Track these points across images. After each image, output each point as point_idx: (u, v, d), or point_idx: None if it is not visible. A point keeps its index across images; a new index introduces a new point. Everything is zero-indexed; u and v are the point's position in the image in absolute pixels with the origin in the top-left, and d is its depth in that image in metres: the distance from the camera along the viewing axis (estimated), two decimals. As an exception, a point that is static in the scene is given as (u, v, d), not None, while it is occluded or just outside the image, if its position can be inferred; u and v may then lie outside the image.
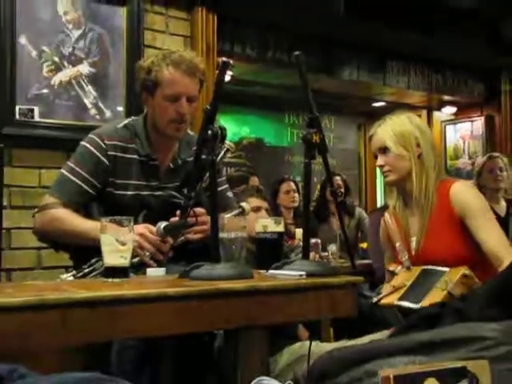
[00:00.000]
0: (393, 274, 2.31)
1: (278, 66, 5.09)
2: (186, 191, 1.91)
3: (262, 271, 1.76)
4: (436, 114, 7.20)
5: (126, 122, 2.27)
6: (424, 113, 7.07)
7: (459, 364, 1.09)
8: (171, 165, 2.26)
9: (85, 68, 3.64)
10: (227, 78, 3.80)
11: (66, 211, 2.09)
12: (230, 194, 2.44)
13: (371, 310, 2.21)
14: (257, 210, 2.64)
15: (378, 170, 2.39)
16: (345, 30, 5.14)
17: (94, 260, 1.87)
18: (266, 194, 3.07)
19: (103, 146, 2.16)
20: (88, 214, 2.15)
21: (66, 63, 3.58)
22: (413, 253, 2.29)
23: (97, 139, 2.17)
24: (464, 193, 2.23)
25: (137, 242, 1.85)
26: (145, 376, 1.90)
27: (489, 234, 2.14)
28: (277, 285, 1.59)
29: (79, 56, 3.63)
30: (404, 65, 5.96)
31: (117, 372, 1.83)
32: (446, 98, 6.61)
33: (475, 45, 5.89)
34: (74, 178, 2.13)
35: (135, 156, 2.20)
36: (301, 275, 1.63)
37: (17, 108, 3.40)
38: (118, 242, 1.57)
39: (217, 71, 1.82)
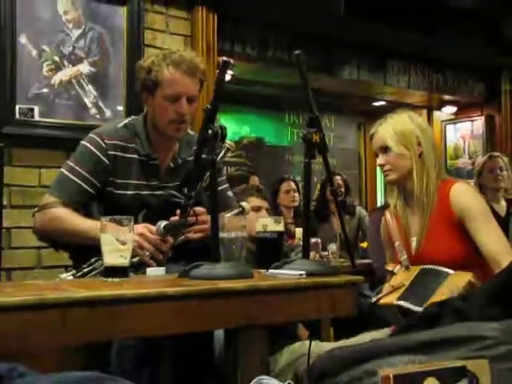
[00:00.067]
0: (392, 273, 2.31)
1: (279, 66, 5.09)
2: (186, 190, 1.91)
3: (262, 271, 1.76)
4: (436, 113, 7.20)
5: (126, 121, 2.27)
6: (424, 112, 7.07)
7: (459, 363, 1.09)
8: (171, 164, 2.26)
9: (85, 67, 3.64)
10: (228, 77, 3.80)
11: (65, 210, 2.09)
12: (230, 193, 2.44)
13: (371, 309, 2.21)
14: (257, 209, 2.63)
15: (378, 169, 2.39)
16: (345, 30, 5.14)
17: (93, 259, 1.87)
18: (267, 193, 3.07)
19: (103, 145, 2.16)
20: (88, 214, 2.15)
21: (66, 62, 3.58)
22: (413, 253, 2.28)
23: (97, 139, 2.17)
24: (464, 195, 2.22)
25: (136, 241, 1.85)
26: (144, 375, 1.90)
27: (488, 237, 2.14)
28: (277, 284, 1.59)
29: (79, 55, 3.63)
30: (404, 64, 5.96)
31: (116, 371, 1.82)
32: (447, 97, 6.61)
33: (475, 44, 5.89)
34: (73, 178, 2.13)
35: (135, 155, 2.20)
36: (301, 275, 1.63)
37: (17, 107, 3.40)
38: (117, 241, 1.57)
39: (217, 70, 1.82)
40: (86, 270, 1.87)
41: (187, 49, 3.63)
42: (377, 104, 6.95)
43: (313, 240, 3.57)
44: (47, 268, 3.36)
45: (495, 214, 3.48)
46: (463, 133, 7.04)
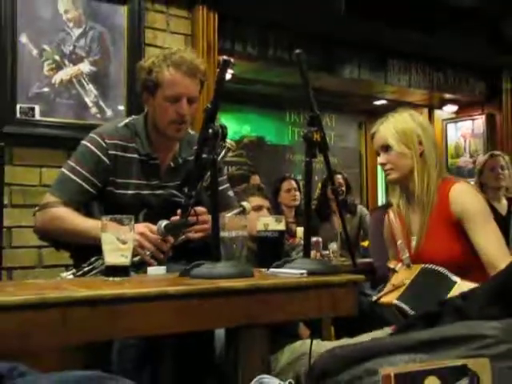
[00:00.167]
0: (394, 271, 2.32)
1: (279, 65, 5.09)
2: (186, 190, 1.91)
3: (263, 270, 1.76)
4: (437, 112, 7.20)
5: (127, 121, 2.27)
6: (425, 111, 7.07)
7: (460, 362, 1.08)
8: (172, 164, 2.26)
9: (85, 66, 3.64)
10: (228, 76, 3.80)
11: (66, 210, 2.09)
12: (230, 192, 2.44)
13: (372, 308, 2.21)
14: (258, 209, 2.63)
15: (379, 168, 2.39)
16: (346, 29, 5.14)
17: (93, 259, 1.87)
18: (268, 192, 3.07)
19: (104, 145, 2.16)
20: (89, 213, 2.15)
21: (66, 62, 3.58)
22: (412, 251, 2.29)
23: (97, 138, 2.17)
24: (463, 196, 2.21)
25: (137, 240, 1.85)
26: (145, 374, 1.90)
27: (486, 240, 2.14)
28: (278, 283, 1.59)
29: (80, 54, 3.63)
30: (405, 63, 5.95)
31: (117, 370, 1.82)
32: (447, 96, 6.61)
33: (476, 43, 5.89)
34: (74, 177, 2.13)
35: (136, 155, 2.20)
36: (302, 274, 1.63)
37: (17, 107, 3.40)
38: (118, 240, 1.57)
39: (218, 70, 1.82)
40: (86, 269, 1.87)
41: (188, 48, 3.63)
42: (377, 103, 6.95)
43: (314, 239, 3.56)
44: (48, 267, 3.36)
45: (496, 212, 3.49)
46: (464, 131, 7.04)
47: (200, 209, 1.99)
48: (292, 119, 7.30)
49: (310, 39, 5.03)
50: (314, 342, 1.88)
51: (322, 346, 1.95)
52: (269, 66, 5.27)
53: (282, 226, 1.93)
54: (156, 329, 1.43)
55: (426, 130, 2.30)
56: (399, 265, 2.31)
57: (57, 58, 3.54)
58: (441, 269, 2.14)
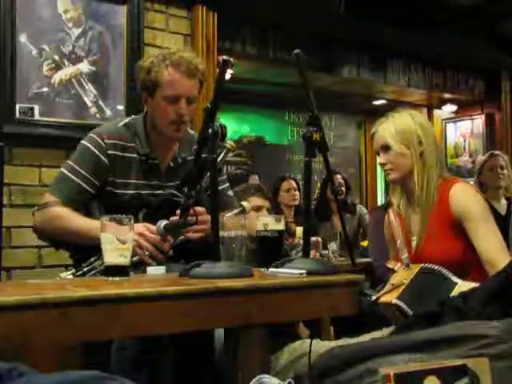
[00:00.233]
0: (393, 271, 2.32)
1: (278, 65, 5.09)
2: (186, 190, 1.91)
3: (263, 269, 1.76)
4: (436, 112, 7.21)
5: (126, 120, 2.27)
6: (424, 111, 7.07)
7: (459, 362, 1.09)
8: (171, 164, 2.26)
9: (85, 66, 3.64)
10: (228, 76, 3.80)
11: (65, 210, 2.09)
12: (230, 192, 2.44)
13: (371, 308, 2.21)
14: (258, 209, 2.63)
15: (378, 168, 2.40)
16: (345, 28, 5.14)
17: (93, 259, 1.87)
18: (268, 192, 3.06)
19: (103, 144, 2.16)
20: (88, 213, 2.15)
21: (66, 62, 3.58)
22: (413, 251, 2.29)
23: (97, 138, 2.17)
24: (463, 196, 2.21)
25: (136, 241, 1.85)
26: (144, 374, 1.90)
27: (486, 240, 2.14)
28: (277, 283, 1.59)
29: (79, 54, 3.62)
30: (404, 63, 5.96)
31: (116, 370, 1.83)
32: (447, 96, 6.61)
33: (476, 43, 5.89)
34: (73, 177, 2.13)
35: (135, 155, 2.20)
36: (301, 273, 1.63)
37: (17, 106, 3.39)
38: (118, 240, 1.57)
39: (217, 69, 1.82)
40: (85, 269, 1.87)
41: (187, 48, 3.64)
42: (377, 103, 6.96)
43: (313, 239, 3.56)
44: (47, 267, 3.36)
45: (496, 212, 3.49)
46: (463, 131, 7.04)
47: (199, 209, 1.99)
48: (291, 119, 7.30)
49: (310, 39, 5.03)
50: (314, 341, 1.88)
51: (321, 346, 1.96)
52: (268, 66, 5.27)
53: (281, 226, 1.93)
54: (155, 329, 1.44)
55: (425, 130, 2.30)
56: (398, 265, 2.31)
57: (56, 57, 3.54)
58: (440, 268, 2.14)
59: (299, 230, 3.95)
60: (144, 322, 1.39)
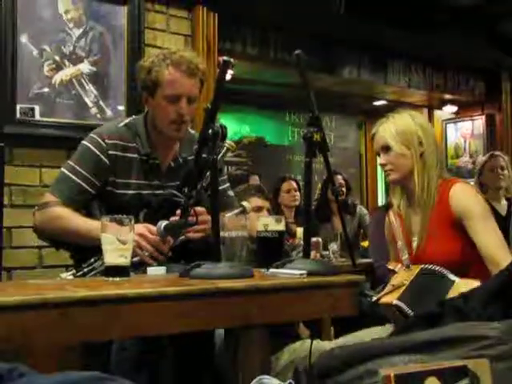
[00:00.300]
0: (393, 272, 2.32)
1: (279, 65, 5.09)
2: (186, 190, 1.91)
3: (263, 270, 1.76)
4: (437, 112, 7.21)
5: (127, 121, 2.27)
6: (425, 112, 7.08)
7: (460, 363, 1.08)
8: (172, 164, 2.26)
9: (86, 67, 3.64)
10: (228, 76, 3.80)
11: (65, 210, 2.09)
12: (231, 192, 2.44)
13: (372, 308, 2.21)
14: (258, 210, 2.64)
15: (379, 168, 2.40)
16: (346, 29, 5.14)
17: (92, 259, 1.87)
18: (268, 193, 3.07)
19: (104, 145, 2.16)
20: (89, 213, 2.15)
21: (66, 62, 3.58)
22: (413, 252, 2.29)
23: (97, 138, 2.17)
24: (463, 196, 2.22)
25: (136, 241, 1.85)
26: (144, 375, 1.90)
27: (487, 239, 2.14)
28: (277, 284, 1.59)
29: (80, 55, 3.63)
30: (405, 64, 5.96)
31: (116, 371, 1.82)
32: (447, 96, 6.62)
33: (476, 43, 5.89)
34: (74, 177, 2.13)
35: (136, 155, 2.20)
36: (301, 274, 1.63)
37: (18, 107, 3.40)
38: (118, 241, 1.57)
39: (218, 70, 1.82)
40: (86, 269, 1.87)
41: (188, 48, 3.64)
42: (377, 103, 6.96)
43: (314, 239, 3.56)
44: (48, 268, 3.36)
45: (496, 213, 3.49)
46: (464, 132, 7.04)
47: (200, 209, 1.99)
48: (292, 119, 7.31)
49: (310, 39, 5.03)
50: (314, 342, 1.88)
51: (321, 347, 1.96)
52: (269, 67, 5.27)
53: (281, 227, 1.93)
54: (156, 329, 1.44)
55: (426, 131, 2.31)
56: (399, 266, 2.31)
57: (57, 58, 3.54)
58: (439, 268, 2.14)
59: (300, 231, 3.95)
60: (144, 323, 1.39)
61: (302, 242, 1.98)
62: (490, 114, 6.72)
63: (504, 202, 4.05)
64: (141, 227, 1.93)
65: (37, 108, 3.45)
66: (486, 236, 2.15)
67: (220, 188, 2.15)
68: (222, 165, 2.45)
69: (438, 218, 2.23)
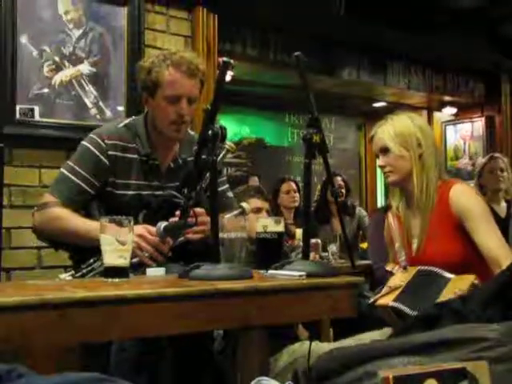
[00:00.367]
0: (391, 273, 2.32)
1: (279, 66, 5.09)
2: (186, 191, 1.90)
3: (262, 271, 1.76)
4: (436, 114, 7.21)
5: (127, 121, 2.27)
6: (424, 113, 7.08)
7: (459, 365, 1.09)
8: (172, 164, 2.26)
9: (85, 68, 3.64)
10: (228, 77, 3.80)
11: (65, 210, 2.08)
12: (230, 194, 2.44)
13: (371, 310, 2.21)
14: (257, 211, 2.63)
15: (378, 170, 2.40)
16: (345, 31, 5.15)
17: (91, 260, 1.87)
18: (267, 194, 3.07)
19: (103, 145, 2.16)
20: (88, 214, 2.15)
21: (66, 63, 3.58)
22: (413, 254, 2.29)
23: (97, 139, 2.17)
24: (463, 196, 2.22)
25: (135, 242, 1.85)
26: (144, 376, 1.90)
27: (488, 239, 2.15)
28: (276, 285, 1.59)
29: (80, 56, 3.63)
30: (404, 65, 5.96)
31: (116, 372, 1.82)
32: (447, 98, 6.62)
33: (476, 45, 5.90)
34: (73, 178, 2.13)
35: (136, 156, 2.20)
36: (301, 275, 1.63)
37: (17, 108, 3.39)
38: (117, 241, 1.57)
39: (217, 71, 1.82)
40: (85, 270, 1.87)
41: (187, 49, 3.64)
42: (377, 105, 6.96)
43: (313, 241, 3.57)
44: (47, 268, 3.36)
45: (495, 215, 3.49)
46: (463, 134, 7.05)
47: (199, 210, 1.99)
48: (291, 121, 7.31)
49: (310, 41, 5.04)
50: (313, 343, 1.88)
51: (320, 348, 1.95)
52: (268, 68, 5.27)
53: (281, 228, 1.93)
54: (155, 330, 1.44)
55: (425, 133, 2.31)
56: (396, 267, 2.31)
57: (57, 58, 3.54)
58: (437, 270, 2.15)
59: (299, 232, 3.95)
60: (143, 324, 1.39)
61: (301, 244, 1.98)
62: (489, 115, 6.72)
63: (503, 204, 4.05)
64: (140, 228, 1.93)
65: (36, 109, 3.45)
66: (488, 236, 2.15)
67: (219, 189, 2.15)
68: (222, 166, 2.45)
69: (437, 219, 2.23)
